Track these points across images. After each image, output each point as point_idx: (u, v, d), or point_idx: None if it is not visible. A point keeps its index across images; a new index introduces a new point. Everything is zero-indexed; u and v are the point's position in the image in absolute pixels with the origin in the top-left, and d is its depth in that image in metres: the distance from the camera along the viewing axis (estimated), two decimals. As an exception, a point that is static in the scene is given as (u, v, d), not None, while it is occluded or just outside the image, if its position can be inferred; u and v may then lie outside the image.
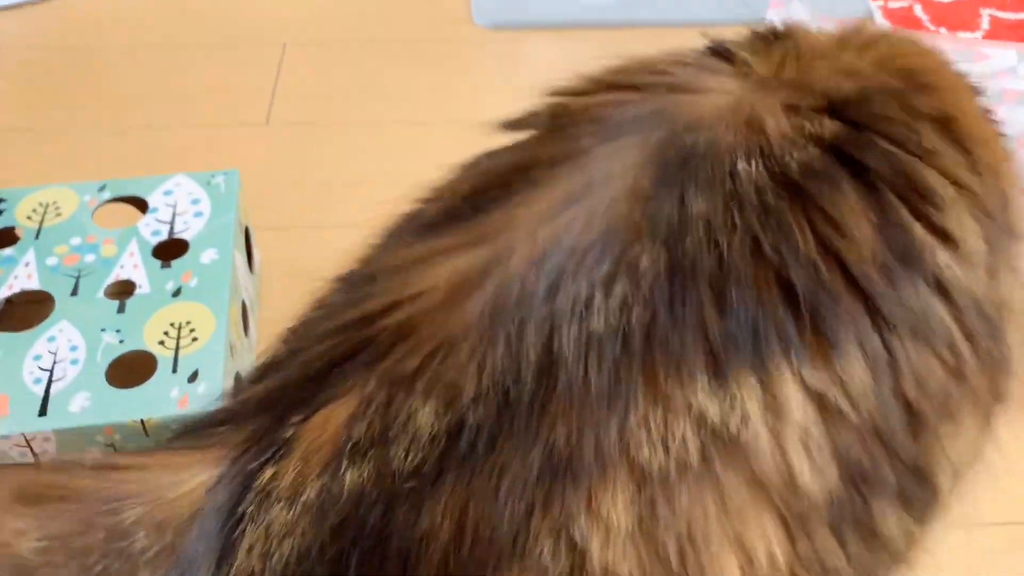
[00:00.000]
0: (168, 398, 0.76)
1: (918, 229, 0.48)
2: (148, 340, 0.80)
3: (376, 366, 0.45)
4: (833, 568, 0.46)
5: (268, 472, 0.45)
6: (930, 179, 0.49)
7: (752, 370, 0.44)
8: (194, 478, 0.47)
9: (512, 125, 0.57)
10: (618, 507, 0.43)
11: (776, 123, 0.49)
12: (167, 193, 0.92)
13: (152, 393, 0.76)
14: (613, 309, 0.44)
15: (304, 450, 0.45)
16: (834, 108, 0.51)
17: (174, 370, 0.78)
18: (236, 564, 0.44)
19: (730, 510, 0.44)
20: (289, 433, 0.46)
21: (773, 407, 0.44)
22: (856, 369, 0.45)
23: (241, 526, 0.44)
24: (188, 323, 0.81)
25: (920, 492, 0.48)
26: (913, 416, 0.47)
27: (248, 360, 0.89)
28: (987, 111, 0.57)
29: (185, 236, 0.88)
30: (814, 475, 0.45)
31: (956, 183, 0.50)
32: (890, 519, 0.48)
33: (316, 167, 1.13)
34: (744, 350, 0.44)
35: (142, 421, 0.74)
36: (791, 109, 0.50)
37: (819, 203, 0.47)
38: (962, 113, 0.52)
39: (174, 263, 0.86)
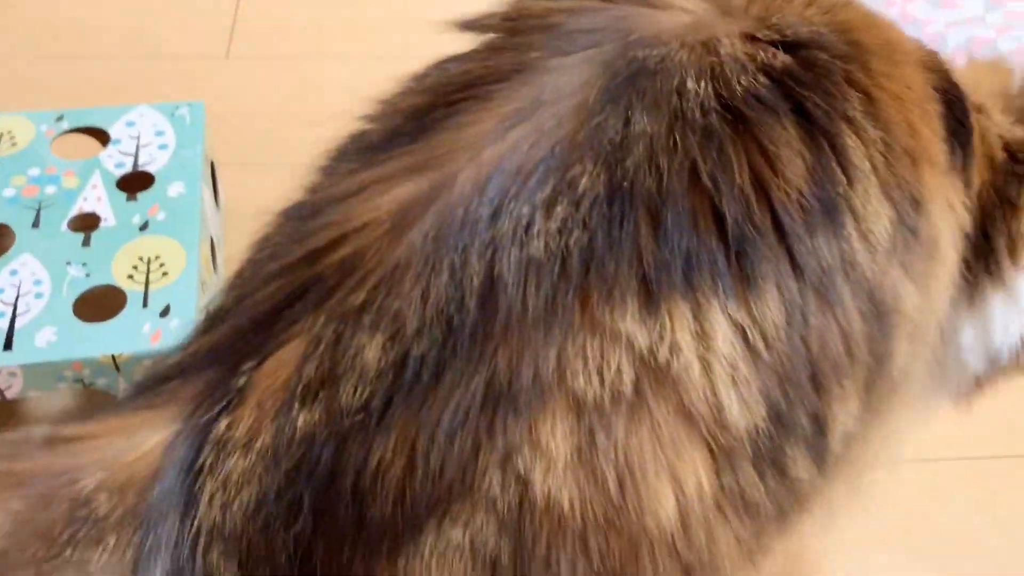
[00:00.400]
0: (140, 333, 0.74)
1: (842, 187, 0.48)
2: (116, 274, 0.78)
3: (324, 304, 0.45)
4: (753, 502, 0.47)
5: (223, 423, 0.45)
6: (849, 146, 0.49)
7: (684, 299, 0.44)
8: (150, 438, 0.46)
9: (468, 25, 0.55)
10: (557, 437, 0.43)
11: (731, 47, 0.49)
12: (129, 124, 0.89)
13: (123, 328, 0.74)
14: (552, 232, 0.44)
15: (258, 397, 0.44)
16: (788, 45, 0.50)
17: (144, 305, 0.76)
18: (199, 516, 0.44)
19: (663, 440, 0.44)
20: (242, 381, 0.45)
21: (703, 339, 0.44)
22: (772, 310, 0.45)
23: (201, 479, 0.44)
24: (157, 257, 0.79)
25: (820, 444, 0.49)
26: (814, 369, 0.47)
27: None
28: (942, 109, 0.55)
29: (150, 169, 0.86)
30: (741, 410, 0.45)
31: (870, 160, 0.49)
32: (800, 463, 0.48)
33: (279, 101, 1.11)
34: (677, 279, 0.44)
35: (113, 356, 0.72)
36: (748, 37, 0.50)
37: (757, 133, 0.47)
38: (893, 99, 0.52)
39: (140, 196, 0.84)
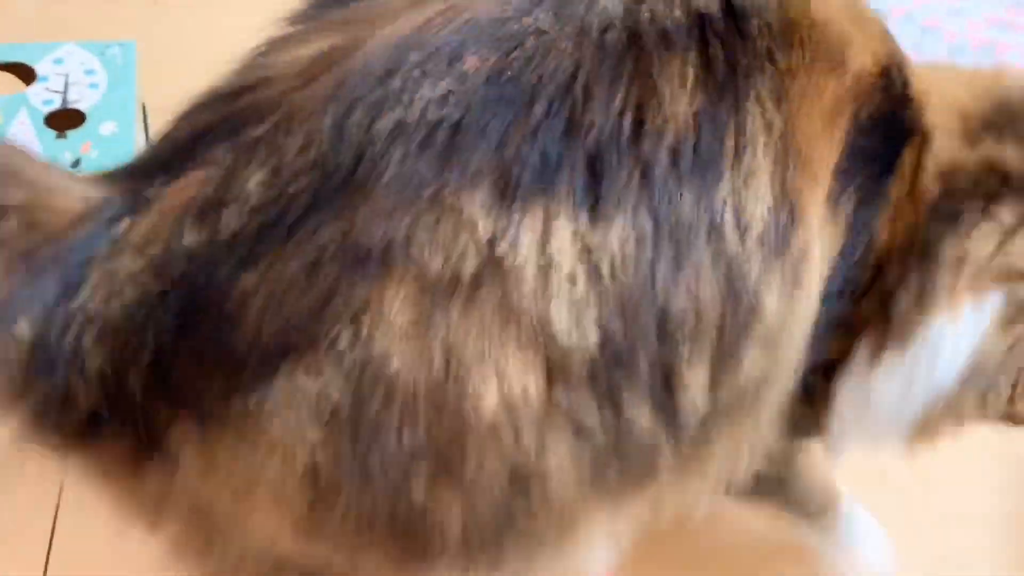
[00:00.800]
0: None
1: (728, 150, 0.48)
2: (48, 212, 0.75)
3: (233, 137, 0.47)
4: (588, 428, 0.48)
5: (124, 224, 0.46)
6: (749, 114, 0.49)
7: (534, 200, 0.45)
8: (72, 205, 0.47)
9: None
10: (397, 304, 0.44)
11: None
12: (57, 62, 0.86)
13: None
14: (432, 101, 0.45)
15: (160, 210, 0.46)
16: None
17: (79, 243, 0.74)
18: (81, 298, 0.46)
19: (491, 334, 0.45)
20: (150, 194, 0.47)
21: (544, 244, 0.45)
22: (620, 240, 0.46)
23: (91, 266, 0.46)
24: (91, 195, 0.77)
25: (667, 401, 0.49)
26: (660, 318, 0.47)
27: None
28: (851, 141, 0.52)
29: (80, 107, 0.83)
30: (572, 328, 0.46)
31: (765, 140, 0.49)
32: (640, 410, 0.49)
33: (209, 45, 1.08)
34: (532, 178, 0.45)
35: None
36: None
37: (649, 61, 0.47)
38: (802, 97, 0.50)
39: (70, 134, 0.81)
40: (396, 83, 0.45)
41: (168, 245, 0.46)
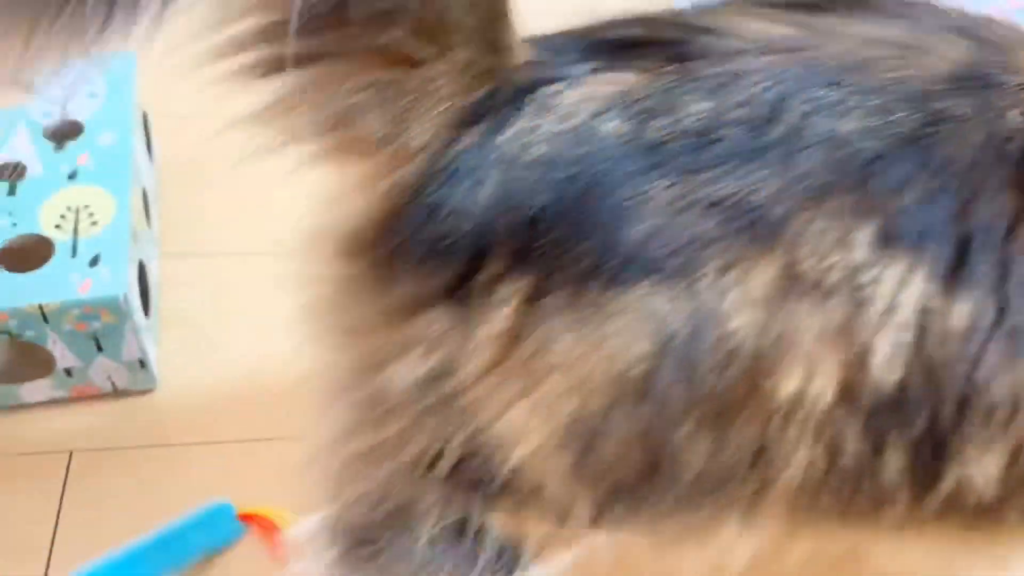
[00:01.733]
0: (68, 283, 0.72)
1: None
2: (44, 224, 0.75)
3: (678, 60, 0.53)
4: (843, 451, 0.52)
5: (553, 88, 0.52)
6: None
7: (907, 252, 0.50)
8: (523, 51, 0.52)
9: None
10: (762, 277, 0.49)
11: None
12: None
13: (50, 278, 0.72)
14: (859, 130, 0.51)
15: (585, 92, 0.52)
16: None
17: (73, 255, 0.74)
18: (502, 138, 0.51)
19: (824, 337, 0.50)
20: (580, 73, 0.53)
21: (899, 290, 0.50)
22: (957, 313, 0.50)
23: (518, 115, 0.51)
24: (86, 206, 0.77)
25: (928, 464, 0.53)
26: (965, 395, 0.51)
27: (152, 251, 0.85)
28: None
29: (79, 118, 0.83)
30: (882, 367, 0.50)
31: None
32: (895, 464, 0.52)
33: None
34: (913, 238, 0.50)
35: (40, 306, 0.70)
36: None
37: None
38: None
39: (68, 145, 0.81)
40: (835, 95, 0.51)
41: (586, 123, 0.51)
